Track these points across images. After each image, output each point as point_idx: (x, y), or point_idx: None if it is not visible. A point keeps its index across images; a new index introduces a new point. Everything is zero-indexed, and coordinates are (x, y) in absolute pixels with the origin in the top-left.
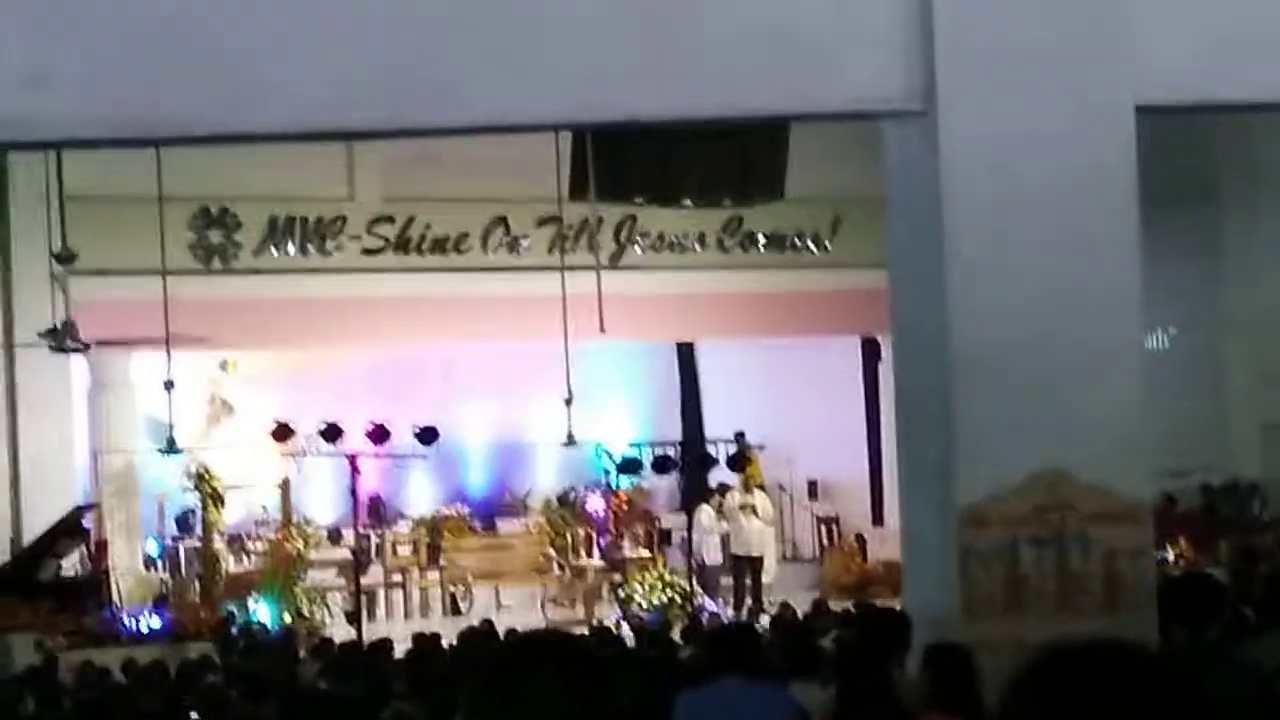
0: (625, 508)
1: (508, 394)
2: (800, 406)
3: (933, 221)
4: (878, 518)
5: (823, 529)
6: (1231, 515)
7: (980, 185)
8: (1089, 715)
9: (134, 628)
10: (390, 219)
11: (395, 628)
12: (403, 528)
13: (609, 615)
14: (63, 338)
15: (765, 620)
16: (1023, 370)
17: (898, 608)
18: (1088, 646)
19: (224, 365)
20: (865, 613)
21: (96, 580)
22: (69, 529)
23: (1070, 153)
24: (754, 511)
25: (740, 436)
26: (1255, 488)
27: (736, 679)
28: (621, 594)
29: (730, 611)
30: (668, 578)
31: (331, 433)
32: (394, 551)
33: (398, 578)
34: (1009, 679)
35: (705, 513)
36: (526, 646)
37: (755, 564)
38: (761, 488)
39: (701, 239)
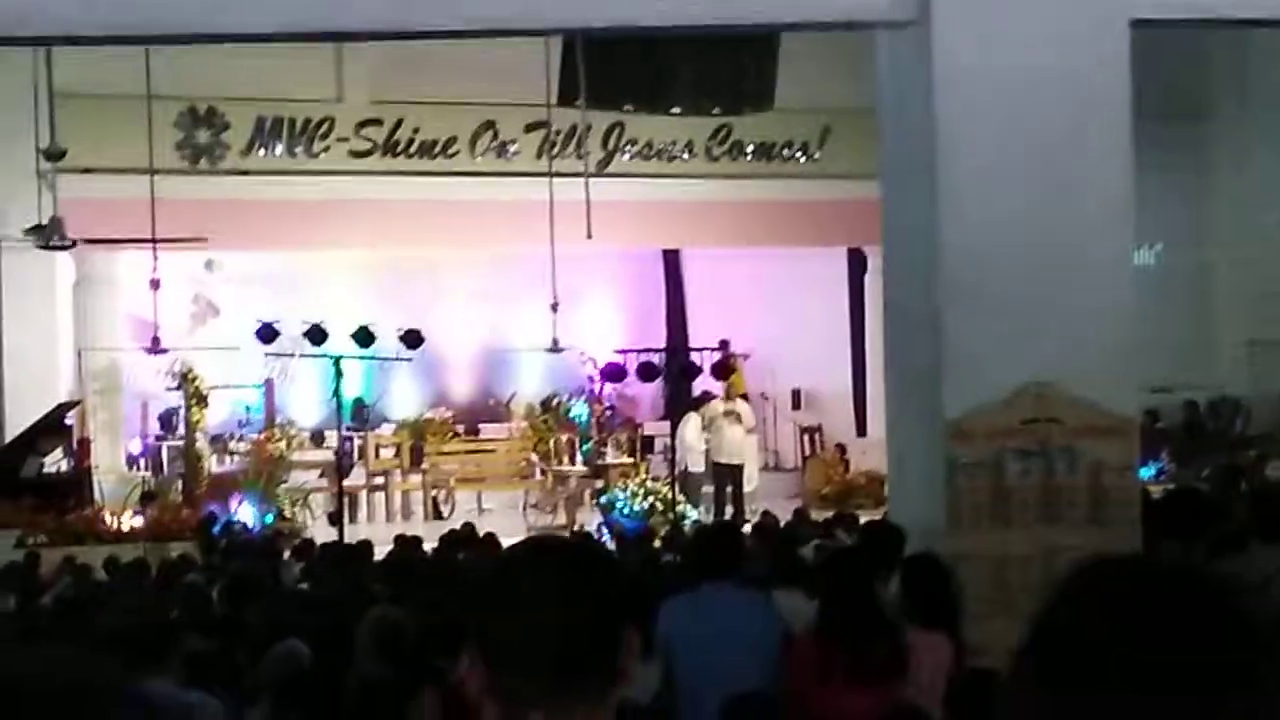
0: (608, 414)
1: (493, 299)
2: (785, 316)
3: (924, 133)
4: (860, 428)
5: (805, 439)
6: (1214, 432)
7: (973, 96)
8: (1143, 629)
9: (115, 526)
10: (378, 122)
11: (377, 530)
12: (385, 431)
13: (591, 521)
14: (49, 234)
15: (747, 528)
16: (1013, 282)
17: (879, 518)
18: (1126, 560)
19: (209, 265)
20: (853, 521)
21: (79, 478)
22: (51, 426)
23: (1063, 64)
24: (736, 420)
25: (725, 345)
26: (1239, 404)
27: (719, 584)
28: (603, 500)
29: (712, 519)
30: (650, 485)
31: (316, 334)
32: (376, 454)
33: (380, 480)
34: (1052, 592)
35: (690, 421)
36: (529, 547)
37: (736, 472)
38: (744, 397)
39: (689, 147)
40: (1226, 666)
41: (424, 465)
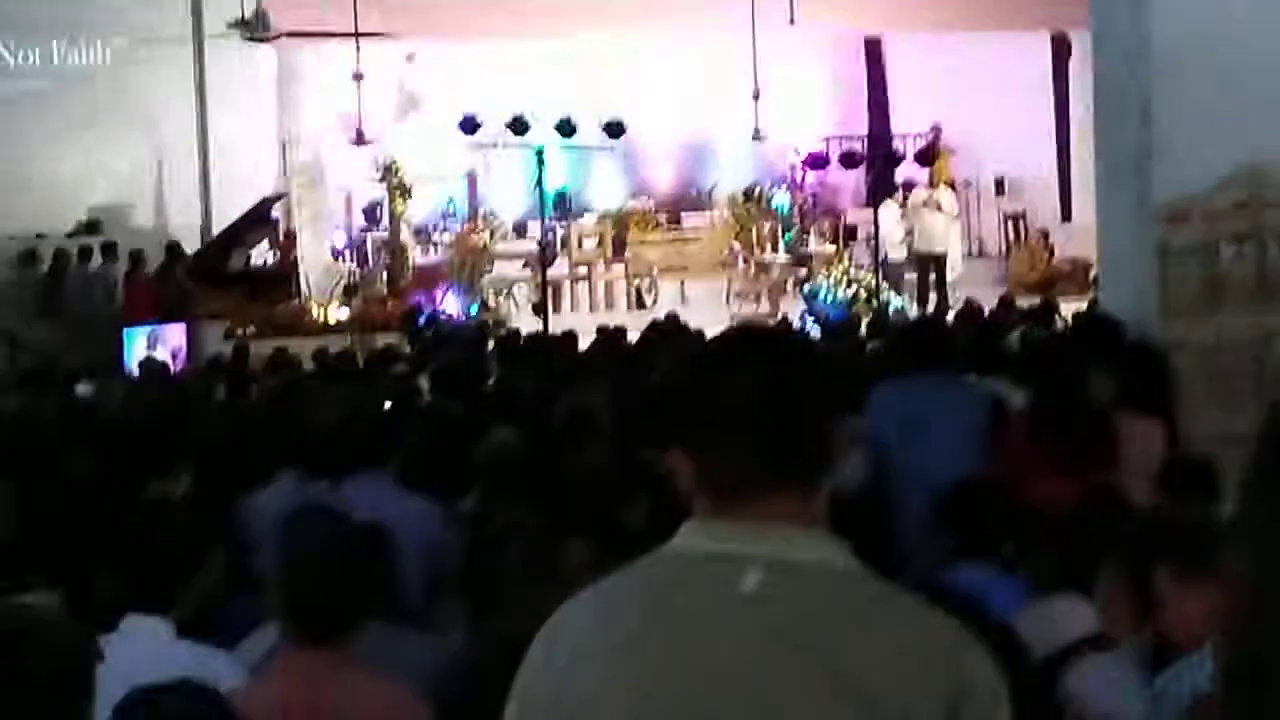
0: (810, 202)
1: (694, 88)
2: (988, 103)
3: None
4: (1065, 214)
5: (1009, 225)
6: None
7: None
8: None
9: (321, 318)
10: None
11: (581, 320)
12: (588, 221)
13: (794, 310)
14: (255, 27)
15: (950, 315)
16: (1226, 61)
17: (1084, 305)
18: None
19: (410, 58)
20: (1055, 310)
21: (285, 270)
22: (257, 219)
23: None
24: (937, 208)
25: (936, 129)
26: None
27: (929, 374)
28: (806, 289)
29: (915, 307)
30: (853, 273)
31: (518, 125)
32: (579, 245)
33: (582, 271)
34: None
35: (888, 208)
36: (732, 337)
37: (939, 260)
38: (950, 184)
39: None
40: None
41: (626, 255)
